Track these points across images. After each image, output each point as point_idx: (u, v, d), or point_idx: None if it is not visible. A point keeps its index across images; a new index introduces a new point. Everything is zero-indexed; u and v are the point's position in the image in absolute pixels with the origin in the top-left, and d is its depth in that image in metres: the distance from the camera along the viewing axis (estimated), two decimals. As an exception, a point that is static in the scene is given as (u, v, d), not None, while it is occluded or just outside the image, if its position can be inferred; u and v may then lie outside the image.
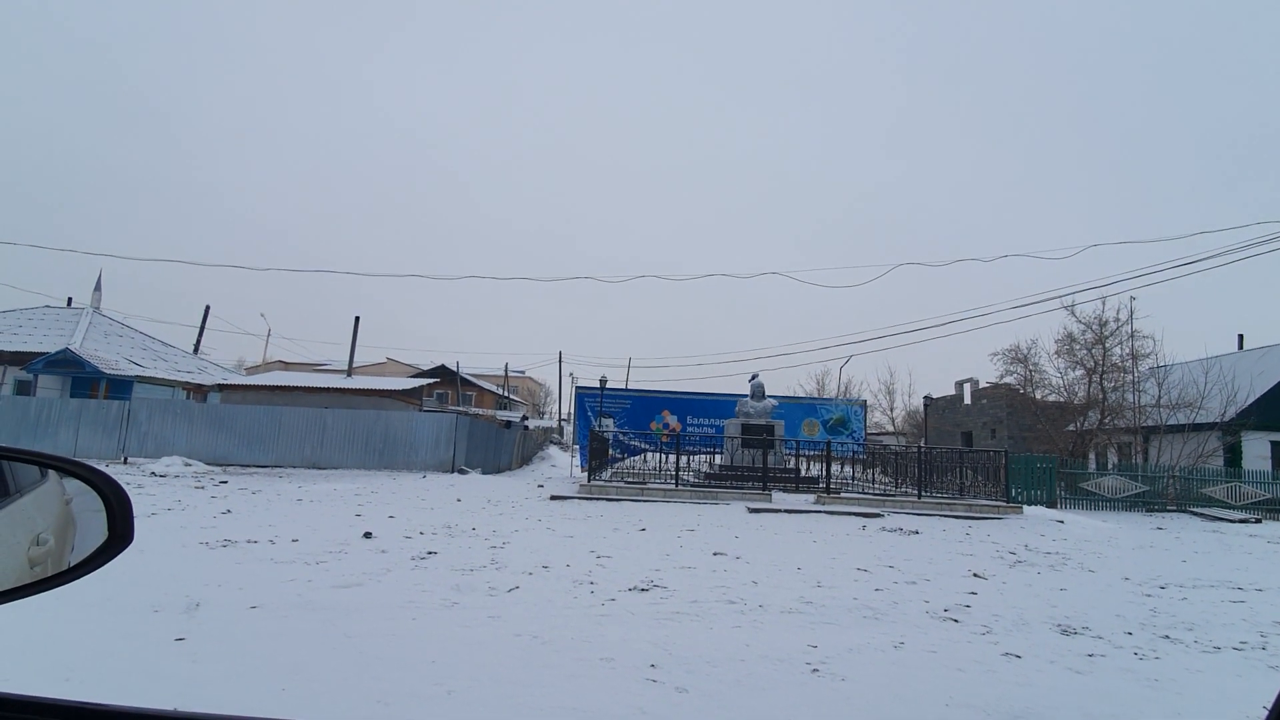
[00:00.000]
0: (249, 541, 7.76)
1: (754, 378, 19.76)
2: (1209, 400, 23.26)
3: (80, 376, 23.62)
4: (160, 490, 12.62)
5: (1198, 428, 22.97)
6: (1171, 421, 23.58)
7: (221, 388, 24.94)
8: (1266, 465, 22.28)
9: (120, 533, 0.96)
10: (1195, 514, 19.06)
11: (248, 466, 18.99)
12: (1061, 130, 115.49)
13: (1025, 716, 3.63)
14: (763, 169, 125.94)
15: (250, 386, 24.24)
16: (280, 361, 46.88)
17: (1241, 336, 29.61)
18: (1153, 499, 20.03)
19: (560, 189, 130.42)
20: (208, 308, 34.75)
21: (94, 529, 1.18)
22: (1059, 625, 5.74)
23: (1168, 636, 5.54)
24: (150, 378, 24.89)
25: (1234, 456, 22.89)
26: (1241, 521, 17.76)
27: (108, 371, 23.38)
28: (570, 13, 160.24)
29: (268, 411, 20.38)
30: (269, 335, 45.19)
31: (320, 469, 19.26)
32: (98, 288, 29.16)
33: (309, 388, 23.56)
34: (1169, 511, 19.56)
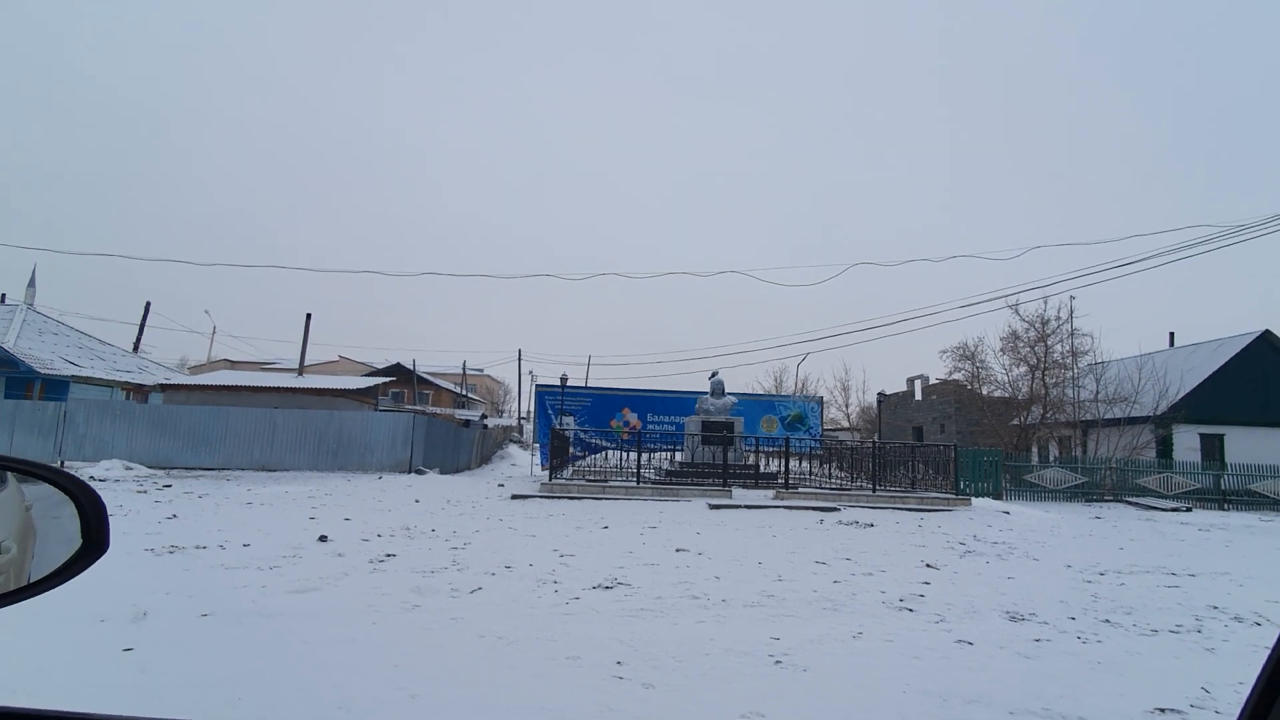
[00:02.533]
0: (197, 547, 7.48)
1: (714, 375, 19.95)
2: (1143, 395, 24.48)
3: (14, 376, 22.38)
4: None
5: (1132, 421, 24.14)
6: (1108, 416, 24.73)
7: (164, 388, 23.95)
8: (1196, 456, 23.56)
9: (95, 540, 0.93)
10: (1131, 504, 20.04)
11: (193, 469, 18.30)
12: (1008, 133, 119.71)
13: (978, 701, 3.77)
14: (725, 169, 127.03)
15: (195, 386, 23.34)
16: (226, 360, 45.29)
17: (1172, 334, 31.28)
18: (1091, 490, 20.98)
19: (523, 188, 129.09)
20: (148, 304, 33.31)
21: (55, 537, 1.14)
22: (1007, 612, 5.97)
23: (1108, 621, 5.82)
24: (88, 377, 23.73)
25: (1166, 448, 24.14)
26: (1173, 510, 18.74)
27: (42, 371, 22.20)
28: (539, 13, 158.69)
29: (213, 412, 19.67)
30: (214, 333, 43.51)
31: (270, 471, 18.68)
32: (31, 283, 27.68)
33: (257, 387, 22.82)
34: (1106, 501, 20.52)
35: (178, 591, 5.49)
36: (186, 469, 18.30)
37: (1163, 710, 3.74)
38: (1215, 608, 6.56)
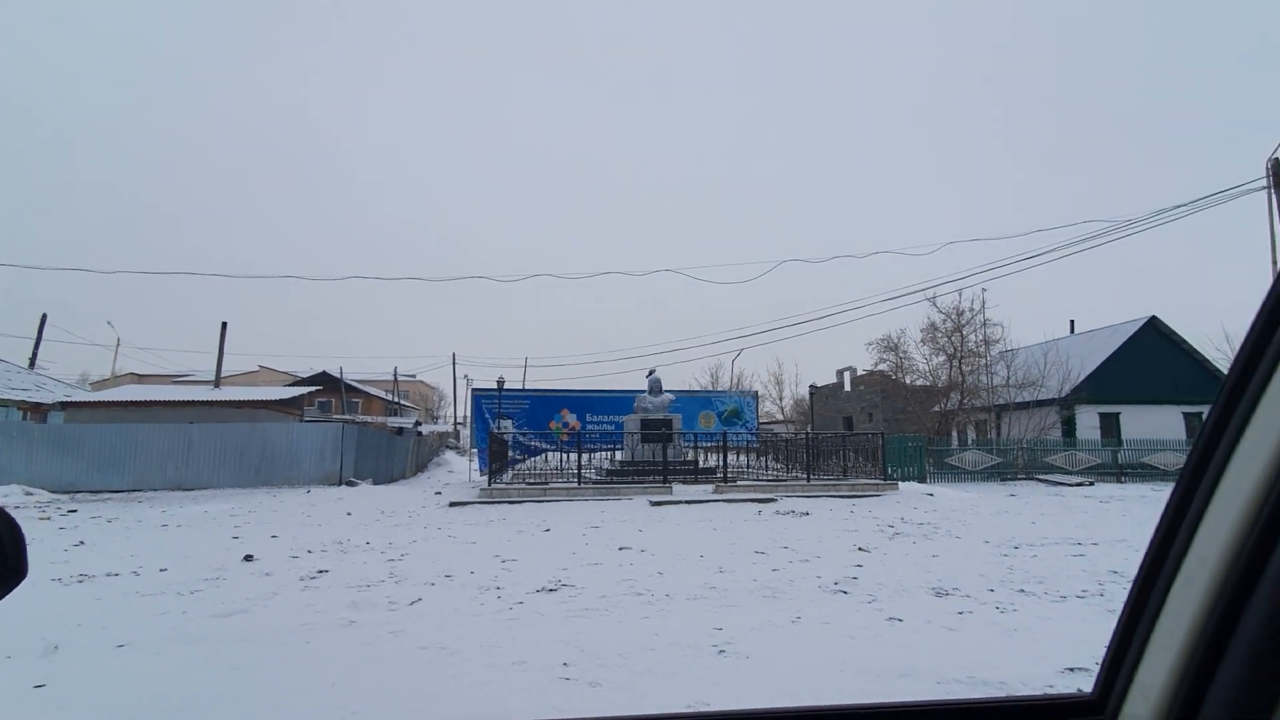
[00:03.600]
0: (109, 574, 7.02)
1: (651, 373, 20.11)
2: (1048, 379, 26.20)
3: (-121, 400, 20.30)
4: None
5: (1040, 404, 25.80)
6: (1019, 400, 26.34)
7: (65, 405, 22.24)
8: (1096, 434, 25.42)
9: (12, 567, 0.89)
10: (1041, 480, 21.43)
11: (100, 493, 17.09)
12: (927, 135, 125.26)
13: (910, 674, 3.99)
14: (656, 171, 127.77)
15: (99, 403, 21.79)
16: (133, 374, 42.38)
17: (1073, 322, 33.51)
18: (1006, 469, 22.32)
19: (452, 189, 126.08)
20: (44, 316, 30.77)
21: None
22: (933, 589, 6.31)
23: (1023, 590, 6.24)
24: (-28, 398, 21.79)
25: (1070, 428, 25.92)
26: (1078, 485, 20.16)
27: (-85, 393, 20.24)
28: (464, 12, 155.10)
29: (121, 430, 18.42)
30: (119, 345, 40.60)
31: (187, 490, 17.66)
32: (-103, 296, 25.15)
33: (170, 402, 21.53)
34: (1020, 480, 21.87)
35: (90, 622, 5.15)
36: (93, 492, 17.07)
37: (1072, 670, 4.06)
38: (1115, 572, 7.12)
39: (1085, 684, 3.94)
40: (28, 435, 18.02)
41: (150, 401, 21.43)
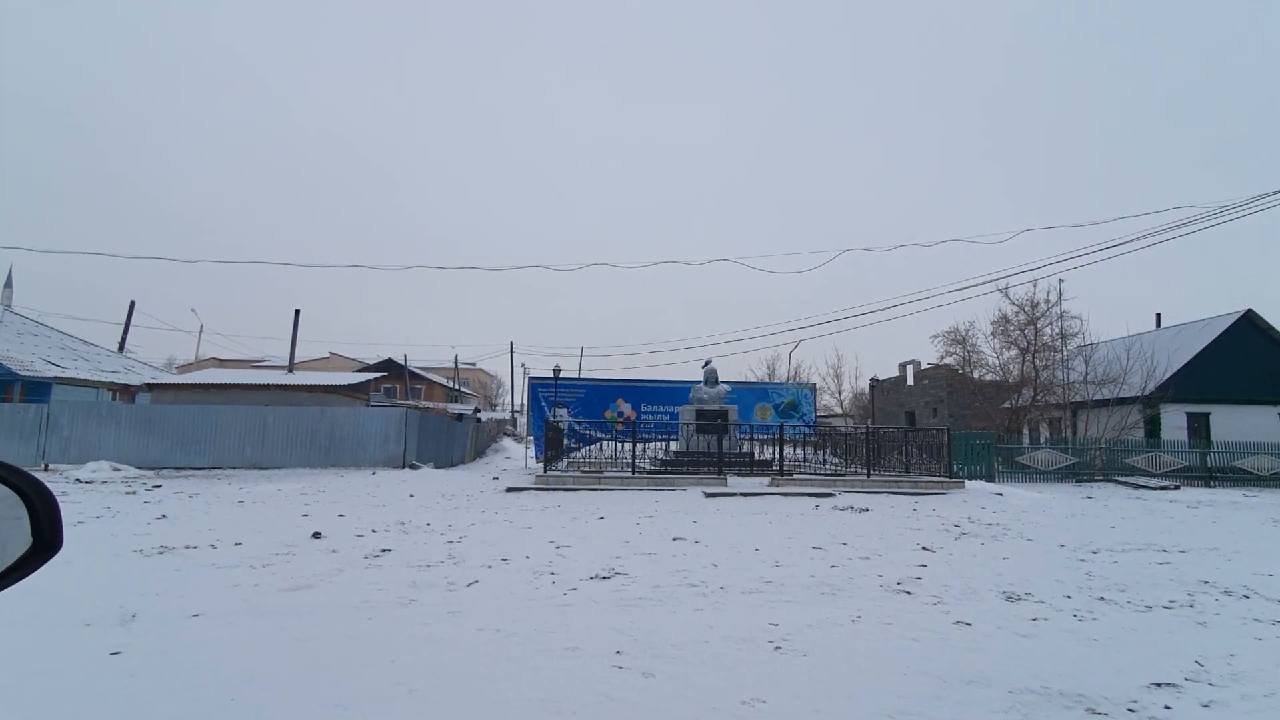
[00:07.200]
0: (188, 547, 7.40)
1: (707, 364, 19.94)
2: (1131, 376, 24.68)
3: (-8, 380, 22.09)
4: (87, 497, 11.92)
5: (1121, 402, 24.33)
6: (1097, 397, 24.91)
7: (151, 387, 23.68)
8: (1183, 435, 23.82)
9: (47, 539, 0.86)
10: (1120, 483, 20.22)
11: (182, 469, 18.13)
12: (994, 120, 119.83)
13: (978, 680, 3.77)
14: (716, 164, 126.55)
15: (183, 385, 23.11)
16: (214, 359, 44.92)
17: (1159, 315, 31.48)
18: (1082, 470, 21.15)
19: (509, 182, 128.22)
20: (133, 303, 32.91)
21: (11, 537, 1.07)
22: (1004, 592, 5.99)
23: (1103, 598, 5.85)
24: (71, 379, 23.44)
25: (1154, 428, 24.37)
26: (1162, 488, 18.93)
27: (22, 373, 21.90)
28: (531, 10, 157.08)
29: (203, 411, 19.48)
30: (201, 331, 43.06)
31: (262, 469, 18.54)
32: (8, 284, 27.29)
33: (247, 385, 22.64)
34: (1097, 481, 20.70)
35: (168, 592, 5.42)
36: (176, 469, 18.12)
37: (1159, 685, 3.76)
38: (1206, 582, 6.62)
39: (1173, 700, 3.65)
40: (116, 415, 19.26)
41: (229, 384, 22.59)
